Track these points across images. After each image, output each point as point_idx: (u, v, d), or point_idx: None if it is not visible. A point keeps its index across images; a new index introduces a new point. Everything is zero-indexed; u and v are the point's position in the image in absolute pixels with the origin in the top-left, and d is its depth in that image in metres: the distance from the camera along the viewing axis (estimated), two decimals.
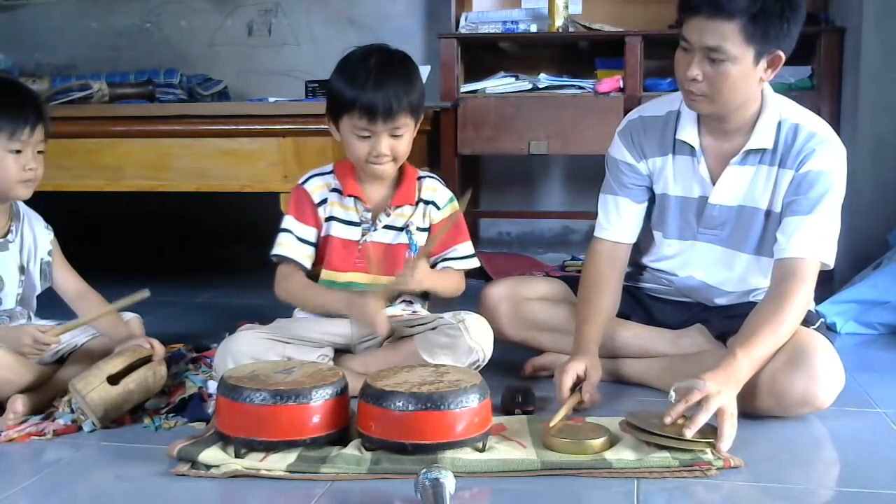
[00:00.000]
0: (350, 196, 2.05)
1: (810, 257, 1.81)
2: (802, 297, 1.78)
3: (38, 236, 2.04)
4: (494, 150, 3.55)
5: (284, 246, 2.05)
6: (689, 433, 1.56)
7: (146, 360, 1.88)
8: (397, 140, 1.97)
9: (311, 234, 2.06)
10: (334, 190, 2.07)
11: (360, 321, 1.97)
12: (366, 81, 1.91)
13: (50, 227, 2.09)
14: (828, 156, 1.84)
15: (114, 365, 1.81)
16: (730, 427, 1.59)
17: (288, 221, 2.07)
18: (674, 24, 3.12)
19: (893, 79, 3.11)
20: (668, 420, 1.59)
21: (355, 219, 2.06)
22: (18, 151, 1.89)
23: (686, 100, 1.86)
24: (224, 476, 1.52)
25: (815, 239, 1.81)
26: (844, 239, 3.17)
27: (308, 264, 2.07)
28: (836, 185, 1.84)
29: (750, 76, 1.78)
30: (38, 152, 1.94)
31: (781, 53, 1.79)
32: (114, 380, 1.79)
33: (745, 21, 1.70)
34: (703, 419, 1.57)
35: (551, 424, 1.66)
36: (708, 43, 1.73)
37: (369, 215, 2.06)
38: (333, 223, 2.06)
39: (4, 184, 1.91)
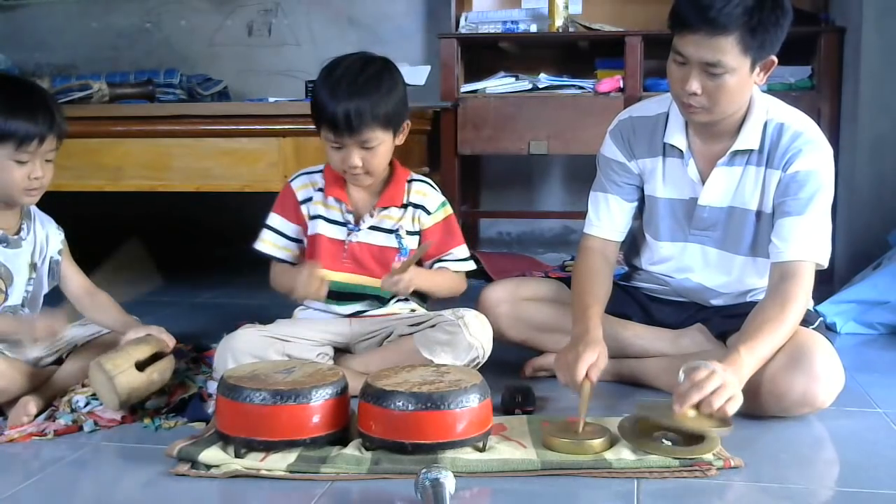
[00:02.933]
0: (332, 197, 2.06)
1: (807, 258, 1.81)
2: (802, 298, 1.79)
3: (50, 235, 2.04)
4: (494, 150, 3.56)
5: (264, 242, 2.09)
6: (678, 408, 1.57)
7: (163, 353, 1.88)
8: (369, 152, 1.94)
9: (291, 230, 2.09)
10: (320, 189, 2.08)
11: (303, 289, 1.93)
12: (332, 94, 1.90)
13: (61, 228, 2.09)
14: (815, 156, 1.84)
15: (142, 351, 1.81)
16: (726, 399, 1.57)
17: (271, 218, 2.10)
18: None
19: (893, 79, 3.11)
20: (676, 407, 1.58)
21: (339, 219, 2.06)
22: (25, 161, 1.87)
23: (684, 112, 1.86)
24: (224, 476, 1.52)
25: (810, 240, 1.82)
26: (844, 239, 3.21)
27: (288, 258, 2.10)
28: (826, 185, 1.84)
29: (746, 84, 1.79)
30: (48, 161, 1.92)
31: (774, 58, 1.79)
32: (139, 366, 1.79)
33: (743, 33, 1.70)
34: (696, 396, 1.56)
35: (580, 429, 1.64)
36: (706, 59, 1.73)
37: (352, 216, 2.06)
38: (320, 221, 2.06)
39: (8, 191, 1.89)
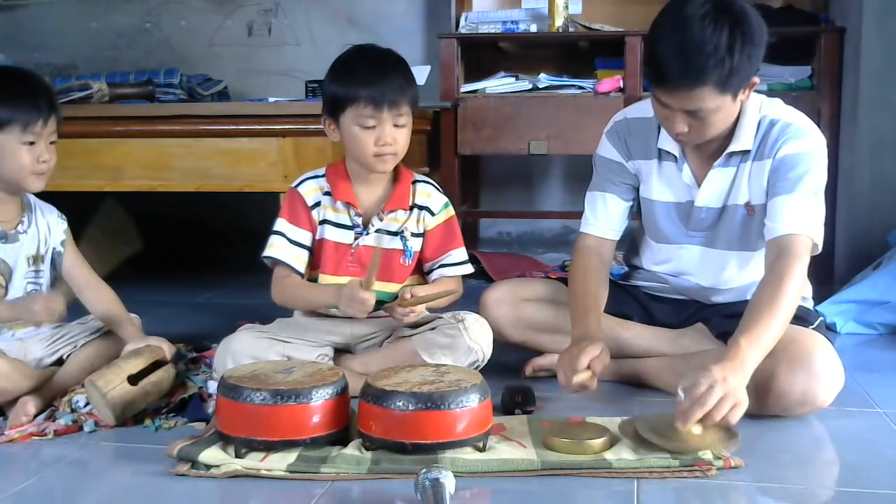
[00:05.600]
0: (340, 201, 2.05)
1: (801, 232, 1.79)
2: (799, 275, 1.75)
3: (52, 225, 2.04)
4: (494, 150, 3.56)
5: (276, 248, 2.04)
6: (681, 426, 1.56)
7: (161, 362, 1.88)
8: (399, 130, 1.97)
9: (304, 237, 2.05)
10: (327, 193, 2.06)
11: (347, 305, 1.91)
12: (368, 72, 1.94)
13: (63, 216, 2.09)
14: (804, 140, 1.84)
15: (134, 365, 1.81)
16: (729, 409, 1.55)
17: (280, 224, 2.06)
18: None
19: (893, 79, 3.11)
20: (679, 426, 1.56)
21: (347, 223, 2.05)
22: (32, 143, 1.89)
23: (674, 140, 1.88)
24: (224, 476, 1.52)
25: (802, 215, 1.80)
26: (844, 239, 3.21)
27: (300, 267, 2.05)
28: (815, 168, 1.83)
29: (732, 110, 1.79)
30: (51, 143, 1.94)
31: (756, 79, 1.78)
32: (132, 380, 1.79)
33: (718, 80, 1.69)
34: (697, 413, 1.56)
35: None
36: (687, 108, 1.74)
37: (360, 220, 2.05)
38: (327, 227, 2.05)
39: (18, 175, 1.90)
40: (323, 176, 2.08)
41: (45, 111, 1.90)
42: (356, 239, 2.05)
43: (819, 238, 1.82)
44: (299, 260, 2.05)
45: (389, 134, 1.95)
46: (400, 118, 1.96)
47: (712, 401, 1.55)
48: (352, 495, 1.47)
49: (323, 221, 2.06)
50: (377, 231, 2.05)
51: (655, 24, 1.77)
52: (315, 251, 2.07)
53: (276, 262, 2.04)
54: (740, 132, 1.87)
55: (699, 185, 1.93)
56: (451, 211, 2.13)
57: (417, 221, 2.08)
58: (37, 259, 1.99)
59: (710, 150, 1.91)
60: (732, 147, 1.88)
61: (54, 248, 2.03)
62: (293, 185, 2.10)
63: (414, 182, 2.10)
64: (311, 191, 2.07)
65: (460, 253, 2.11)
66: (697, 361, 1.89)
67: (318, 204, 2.06)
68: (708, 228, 1.96)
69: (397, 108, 1.95)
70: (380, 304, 2.07)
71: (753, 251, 1.94)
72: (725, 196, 1.93)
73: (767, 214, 1.84)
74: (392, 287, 2.05)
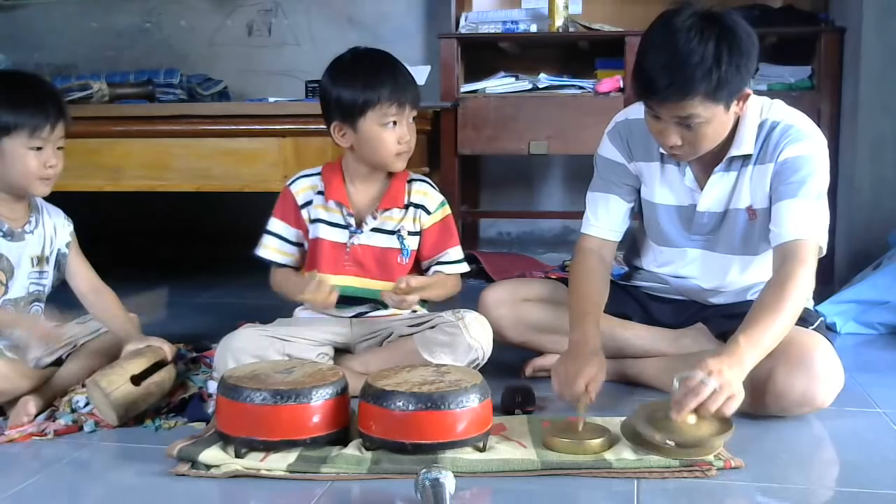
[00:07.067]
0: (332, 200, 2.06)
1: (806, 237, 1.79)
2: (804, 278, 1.75)
3: (58, 227, 2.04)
4: (494, 150, 3.56)
5: (263, 247, 2.10)
6: (676, 415, 1.56)
7: (162, 363, 1.88)
8: (410, 127, 2.02)
9: (292, 234, 2.09)
10: (320, 192, 2.07)
11: (308, 298, 1.94)
12: (382, 72, 1.97)
13: (70, 219, 2.09)
14: (805, 143, 1.83)
15: (137, 365, 1.82)
16: (723, 401, 1.55)
17: (271, 222, 2.10)
18: None
19: (893, 79, 3.11)
20: (674, 416, 1.57)
21: (341, 222, 2.06)
22: (39, 148, 1.89)
23: (668, 154, 1.88)
24: (224, 476, 1.52)
25: (806, 220, 1.80)
26: (844, 239, 3.21)
27: (289, 263, 2.11)
28: (817, 171, 1.83)
29: (725, 122, 1.79)
30: (58, 148, 1.95)
31: (749, 91, 1.78)
32: (135, 380, 1.79)
33: (707, 91, 1.69)
34: (691, 403, 1.55)
35: (580, 429, 1.64)
36: (678, 115, 1.74)
37: (353, 219, 2.06)
38: (321, 225, 2.06)
39: (24, 180, 1.91)
40: (318, 174, 2.10)
41: (53, 117, 1.90)
42: (351, 238, 2.05)
43: (824, 242, 1.82)
44: (289, 256, 2.10)
45: (409, 129, 2.00)
46: (413, 114, 2.01)
47: (706, 392, 1.55)
48: (352, 495, 1.48)
49: (316, 220, 2.06)
50: (372, 230, 2.06)
51: (644, 38, 1.77)
52: (311, 250, 2.08)
53: (268, 261, 2.10)
54: (741, 137, 1.86)
55: (701, 189, 1.93)
56: (447, 210, 2.13)
57: (413, 220, 2.09)
58: (41, 260, 1.99)
59: (712, 154, 1.90)
60: (733, 152, 1.87)
61: (59, 250, 2.04)
62: (287, 183, 2.12)
63: (410, 181, 2.11)
64: (302, 189, 2.09)
65: (457, 251, 2.11)
66: (696, 361, 1.88)
67: (309, 203, 2.07)
68: (710, 232, 1.96)
69: (414, 104, 2.00)
70: (382, 304, 2.07)
71: (755, 255, 1.94)
72: (727, 200, 1.92)
73: (772, 220, 1.84)
74: (391, 286, 2.05)
